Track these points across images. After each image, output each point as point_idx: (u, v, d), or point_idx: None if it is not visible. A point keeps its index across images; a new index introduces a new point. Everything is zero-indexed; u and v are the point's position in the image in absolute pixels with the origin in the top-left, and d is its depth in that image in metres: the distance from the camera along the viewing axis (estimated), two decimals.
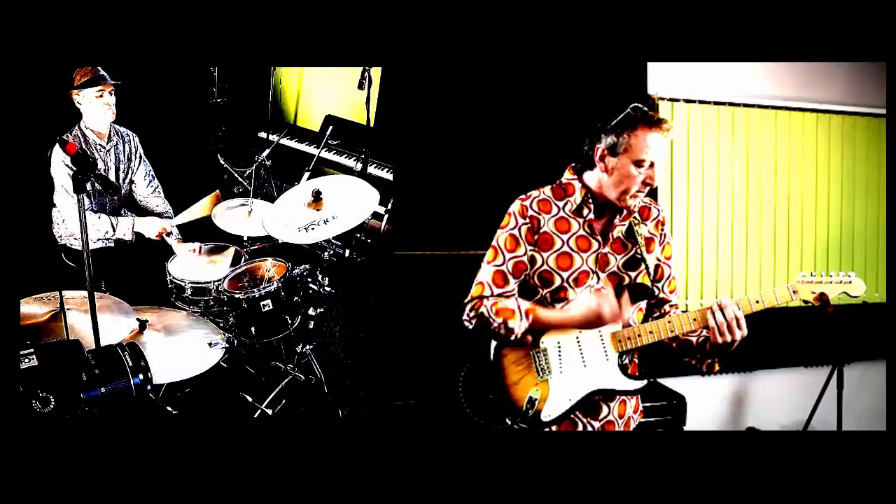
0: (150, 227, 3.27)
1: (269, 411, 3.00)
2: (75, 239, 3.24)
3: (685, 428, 3.30)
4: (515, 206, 2.05)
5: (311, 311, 3.21)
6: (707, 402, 3.92)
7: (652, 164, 1.93)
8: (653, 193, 2.09)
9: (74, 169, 2.07)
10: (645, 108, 1.96)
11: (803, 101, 3.98)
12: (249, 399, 3.03)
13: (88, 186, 2.21)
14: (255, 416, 2.99)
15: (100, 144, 3.22)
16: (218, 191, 3.36)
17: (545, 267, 2.01)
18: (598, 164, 2.00)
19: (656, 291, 2.08)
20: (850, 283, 1.93)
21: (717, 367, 2.00)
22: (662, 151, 1.94)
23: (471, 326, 2.04)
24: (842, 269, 3.63)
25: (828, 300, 1.91)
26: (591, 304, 1.93)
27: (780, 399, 4.05)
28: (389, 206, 3.65)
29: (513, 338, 1.96)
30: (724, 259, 3.88)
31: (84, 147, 3.17)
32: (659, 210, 2.12)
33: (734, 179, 3.89)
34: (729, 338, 1.87)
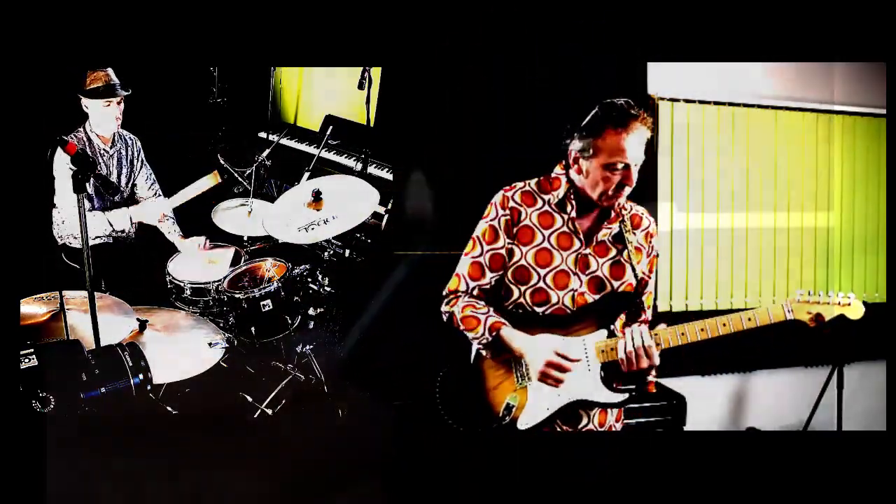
0: (149, 214, 3.26)
1: (269, 411, 2.99)
2: (74, 238, 3.23)
3: (685, 428, 3.29)
4: (497, 197, 2.01)
5: (311, 311, 3.21)
6: (707, 402, 3.91)
7: (627, 166, 1.86)
8: (652, 194, 2.08)
9: (75, 169, 2.07)
10: (616, 105, 1.87)
11: (803, 101, 3.97)
12: (249, 399, 3.03)
13: (89, 187, 2.21)
14: (255, 416, 2.98)
15: (104, 148, 3.23)
16: (216, 170, 3.31)
17: (523, 262, 1.96)
18: (573, 166, 1.95)
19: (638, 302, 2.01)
20: (850, 305, 1.87)
21: (652, 389, 1.94)
22: (638, 151, 1.86)
23: (444, 320, 2.05)
24: (841, 268, 3.64)
25: (824, 321, 1.84)
26: (556, 345, 1.90)
27: (780, 399, 4.04)
28: (389, 206, 3.65)
29: (477, 345, 1.96)
30: (724, 259, 3.88)
31: (88, 150, 3.18)
32: (650, 222, 2.05)
33: (734, 179, 3.89)
34: (636, 366, 1.83)
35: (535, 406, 1.93)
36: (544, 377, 1.88)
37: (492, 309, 1.96)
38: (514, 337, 1.91)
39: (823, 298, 1.86)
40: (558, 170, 2.03)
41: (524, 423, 1.92)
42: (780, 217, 3.98)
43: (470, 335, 1.94)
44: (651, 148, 1.94)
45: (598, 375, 1.92)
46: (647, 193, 2.14)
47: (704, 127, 3.82)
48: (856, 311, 1.88)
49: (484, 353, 1.97)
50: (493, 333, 1.91)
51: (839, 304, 1.86)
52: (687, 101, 3.77)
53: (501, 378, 1.97)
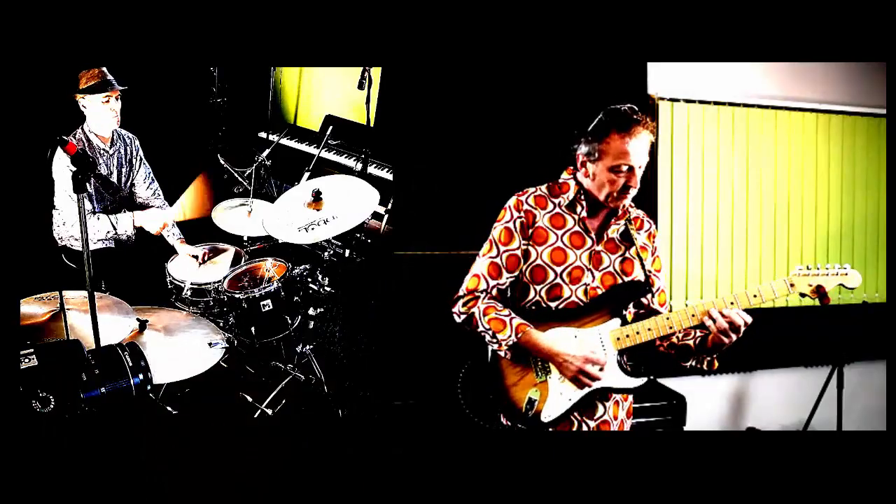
0: (151, 222, 3.26)
1: (269, 411, 3.00)
2: (75, 240, 3.23)
3: (685, 428, 3.30)
4: (511, 201, 2.08)
5: (311, 311, 3.21)
6: (707, 402, 3.92)
7: (631, 169, 1.94)
8: (653, 194, 2.10)
9: (74, 169, 2.06)
10: (620, 111, 1.95)
11: (803, 101, 3.98)
12: (249, 399, 3.03)
13: (89, 188, 2.21)
14: (255, 416, 2.99)
15: (103, 148, 3.22)
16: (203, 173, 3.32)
17: (539, 261, 2.02)
18: (580, 169, 2.04)
19: (646, 301, 2.08)
20: (847, 274, 1.94)
21: (716, 365, 2.00)
22: (642, 154, 1.94)
23: (459, 320, 2.06)
24: None
25: (825, 292, 1.92)
26: (587, 346, 1.95)
27: (780, 399, 4.05)
28: (389, 206, 3.65)
29: (496, 347, 1.98)
30: (724, 259, 3.88)
31: (88, 150, 3.17)
32: (651, 224, 2.15)
33: (734, 179, 3.89)
34: (727, 340, 1.89)
35: (557, 398, 1.97)
36: (578, 377, 1.92)
37: (511, 311, 2.00)
38: (541, 338, 1.96)
39: (822, 271, 1.94)
40: (565, 175, 2.12)
41: (547, 415, 1.97)
42: (779, 216, 3.98)
43: (498, 336, 1.96)
44: (652, 150, 2.01)
45: (616, 362, 1.98)
46: (647, 193, 2.16)
47: (704, 127, 3.82)
48: (853, 280, 1.95)
49: (503, 354, 1.99)
50: (519, 335, 1.95)
51: (836, 274, 1.94)
52: (687, 101, 3.77)
53: (520, 374, 2.01)
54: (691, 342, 2.01)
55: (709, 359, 2.00)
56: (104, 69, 3.09)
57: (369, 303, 3.77)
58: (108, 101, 3.09)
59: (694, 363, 2.02)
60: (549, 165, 2.19)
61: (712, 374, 3.87)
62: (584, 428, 2.02)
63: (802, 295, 1.94)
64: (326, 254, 3.45)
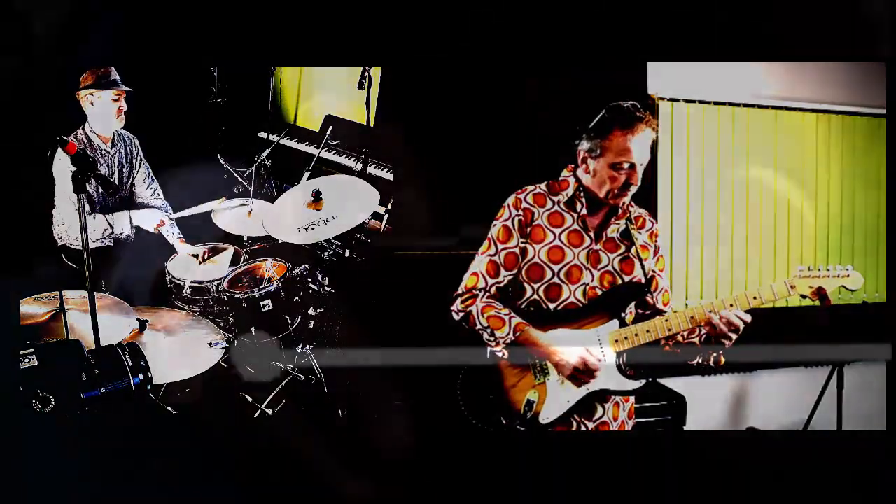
0: (147, 219, 3.26)
1: (269, 411, 2.99)
2: (75, 239, 3.23)
3: (685, 428, 3.30)
4: (510, 199, 2.08)
5: (311, 311, 3.21)
6: (707, 402, 3.92)
7: (633, 166, 1.94)
8: (653, 193, 2.09)
9: (74, 169, 2.06)
10: (623, 108, 1.95)
11: (803, 101, 3.98)
12: (249, 399, 3.03)
13: (89, 188, 2.21)
14: (255, 416, 2.99)
15: (104, 149, 3.22)
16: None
17: (536, 259, 2.01)
18: (581, 165, 2.04)
19: (650, 300, 2.08)
20: (848, 276, 1.92)
21: (722, 361, 1.99)
22: (643, 152, 1.94)
23: (456, 318, 2.07)
24: None
25: (826, 294, 1.90)
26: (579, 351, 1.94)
27: (780, 399, 4.05)
28: (389, 206, 3.65)
29: (494, 345, 1.98)
30: (724, 259, 3.88)
31: (89, 151, 3.17)
32: (653, 222, 2.14)
33: (734, 179, 3.89)
34: (727, 343, 1.88)
35: (555, 400, 1.97)
36: (576, 375, 1.91)
37: (511, 310, 2.00)
38: (540, 338, 1.96)
39: (823, 272, 1.92)
40: (565, 172, 2.12)
41: (545, 417, 1.96)
42: (779, 216, 3.98)
43: (497, 334, 1.96)
44: (654, 148, 2.00)
45: (615, 364, 1.97)
46: (647, 192, 2.16)
47: (704, 127, 3.82)
48: (855, 282, 1.92)
49: (500, 353, 1.98)
50: (517, 334, 1.95)
51: (838, 276, 1.92)
52: (687, 101, 3.77)
53: (519, 376, 2.00)
54: (696, 340, 2.00)
55: (714, 355, 1.98)
56: (112, 69, 3.09)
57: (369, 303, 3.76)
58: (118, 100, 3.10)
59: (700, 360, 2.01)
60: (549, 166, 2.19)
61: (712, 374, 3.87)
62: (583, 429, 2.02)
63: (803, 297, 1.92)
64: (326, 254, 3.45)
